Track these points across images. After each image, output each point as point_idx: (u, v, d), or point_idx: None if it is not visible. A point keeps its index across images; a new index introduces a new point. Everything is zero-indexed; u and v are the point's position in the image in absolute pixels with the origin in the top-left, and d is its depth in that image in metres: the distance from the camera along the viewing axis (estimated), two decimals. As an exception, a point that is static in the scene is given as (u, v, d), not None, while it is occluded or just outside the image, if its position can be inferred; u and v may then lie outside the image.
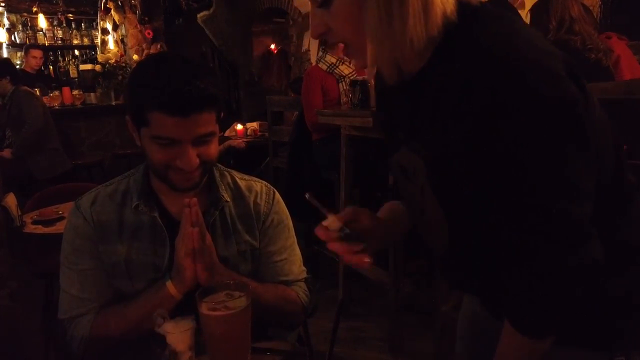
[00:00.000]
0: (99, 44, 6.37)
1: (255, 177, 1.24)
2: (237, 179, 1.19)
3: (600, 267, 0.67)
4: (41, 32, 6.21)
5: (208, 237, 1.04)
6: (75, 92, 5.43)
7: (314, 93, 3.06)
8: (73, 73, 6.30)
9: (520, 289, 0.71)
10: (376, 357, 2.31)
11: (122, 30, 6.34)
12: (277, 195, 1.22)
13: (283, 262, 1.18)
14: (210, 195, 1.13)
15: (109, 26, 6.29)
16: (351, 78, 2.90)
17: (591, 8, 2.70)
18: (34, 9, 6.04)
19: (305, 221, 3.15)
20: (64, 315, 1.07)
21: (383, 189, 2.61)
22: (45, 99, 4.78)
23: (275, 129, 3.84)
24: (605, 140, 0.73)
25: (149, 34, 6.32)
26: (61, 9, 6.32)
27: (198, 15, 6.28)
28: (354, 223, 0.81)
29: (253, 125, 4.70)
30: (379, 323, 2.51)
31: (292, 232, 1.23)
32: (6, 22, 6.06)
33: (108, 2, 6.14)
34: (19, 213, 2.28)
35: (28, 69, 5.19)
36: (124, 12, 6.26)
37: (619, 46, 2.27)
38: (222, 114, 1.05)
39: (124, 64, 5.84)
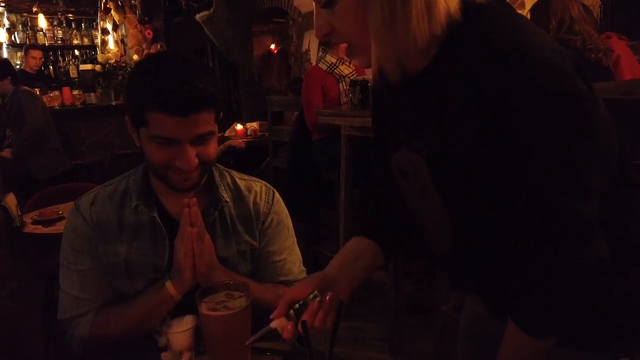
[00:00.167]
0: (99, 44, 6.38)
1: (255, 177, 1.23)
2: (236, 179, 1.19)
3: (605, 267, 0.67)
4: (41, 32, 6.21)
5: (207, 237, 1.04)
6: (75, 92, 5.44)
7: (314, 93, 3.06)
8: (73, 73, 6.30)
9: (525, 287, 0.70)
10: (376, 357, 2.31)
11: (122, 30, 6.35)
12: (277, 195, 1.22)
13: (283, 262, 1.18)
14: (210, 196, 1.13)
15: (109, 26, 6.30)
16: (351, 78, 2.90)
17: (591, 8, 2.70)
18: (34, 9, 6.04)
19: (305, 221, 3.17)
20: (64, 316, 1.07)
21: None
22: (45, 99, 4.78)
23: (275, 129, 3.84)
24: (609, 140, 0.73)
25: (149, 34, 6.33)
26: (61, 9, 6.33)
27: (198, 15, 6.28)
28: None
29: (253, 125, 4.70)
30: (379, 323, 2.52)
31: (292, 232, 1.23)
32: (6, 22, 6.06)
33: (108, 2, 6.14)
34: (19, 213, 2.28)
35: (27, 69, 5.19)
36: (124, 12, 6.27)
37: (619, 46, 2.27)
38: (221, 114, 1.05)
39: (124, 64, 5.85)
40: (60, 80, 6.12)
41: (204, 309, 0.88)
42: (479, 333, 0.98)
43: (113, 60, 5.84)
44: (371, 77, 0.80)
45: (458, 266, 0.87)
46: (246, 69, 6.57)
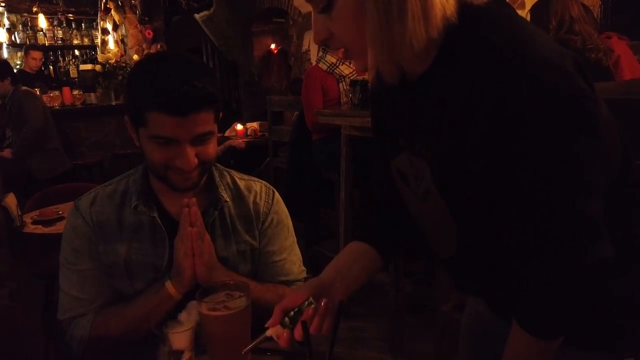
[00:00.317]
0: (99, 44, 6.38)
1: (255, 177, 1.23)
2: (236, 179, 1.19)
3: (609, 267, 0.66)
4: (41, 32, 6.21)
5: (207, 237, 1.04)
6: (76, 92, 5.43)
7: (314, 93, 3.06)
8: (73, 73, 6.30)
9: (530, 288, 0.70)
10: (376, 357, 2.31)
11: (122, 30, 6.35)
12: (277, 195, 1.22)
13: (283, 262, 1.18)
14: (210, 195, 1.13)
15: (109, 26, 6.30)
16: (351, 78, 2.89)
17: (591, 8, 2.70)
18: (34, 9, 6.04)
19: (305, 221, 3.17)
20: (64, 316, 1.07)
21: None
22: (45, 99, 4.78)
23: (276, 129, 3.84)
24: (611, 140, 0.72)
25: (149, 34, 6.33)
26: (61, 9, 6.32)
27: (198, 15, 6.28)
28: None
29: (253, 125, 4.71)
30: (379, 323, 2.51)
31: (292, 232, 1.23)
32: (6, 22, 6.06)
33: (108, 2, 6.14)
34: (19, 213, 2.27)
35: (27, 69, 5.19)
36: (124, 12, 6.27)
37: (619, 46, 2.27)
38: (220, 114, 1.05)
39: (124, 64, 5.85)
40: (60, 80, 6.12)
41: (204, 309, 0.87)
42: (481, 333, 0.98)
43: (113, 60, 5.84)
44: (371, 80, 0.80)
45: (461, 268, 0.87)
46: (246, 69, 6.58)
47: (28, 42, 5.89)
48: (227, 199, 1.13)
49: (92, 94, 5.65)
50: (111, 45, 6.25)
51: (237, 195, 1.16)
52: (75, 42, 6.53)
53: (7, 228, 2.17)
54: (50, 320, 2.05)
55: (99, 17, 6.37)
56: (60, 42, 6.38)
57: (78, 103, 5.38)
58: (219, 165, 1.19)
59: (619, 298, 0.74)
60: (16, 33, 6.11)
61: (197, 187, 1.07)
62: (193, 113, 0.95)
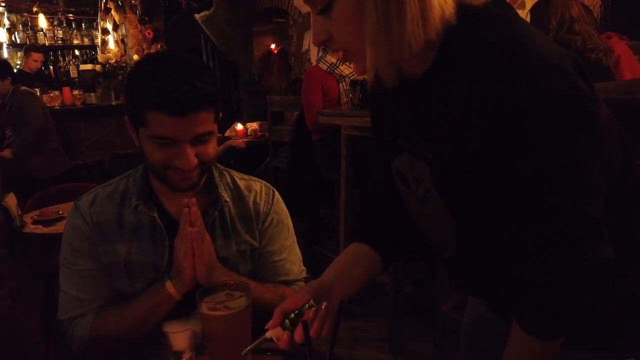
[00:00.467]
0: (99, 44, 6.38)
1: (255, 177, 1.23)
2: (236, 178, 1.19)
3: (610, 267, 0.66)
4: (41, 32, 6.21)
5: (207, 237, 1.04)
6: (76, 92, 5.43)
7: (314, 93, 3.06)
8: (73, 73, 6.30)
9: (531, 288, 0.70)
10: (376, 357, 2.31)
11: (123, 30, 6.35)
12: (277, 195, 1.22)
13: (283, 262, 1.18)
14: (210, 195, 1.13)
15: (109, 26, 6.29)
16: (351, 78, 2.89)
17: (591, 8, 2.70)
18: (34, 9, 6.04)
19: (305, 221, 3.17)
20: (64, 316, 1.07)
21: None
22: (45, 99, 4.78)
23: (276, 129, 3.84)
24: (611, 140, 0.72)
25: (149, 34, 6.33)
26: (61, 9, 6.32)
27: (198, 15, 6.28)
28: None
29: (253, 125, 4.71)
30: (379, 323, 2.52)
31: (292, 232, 1.23)
32: (6, 22, 6.06)
33: (108, 2, 6.14)
34: (19, 213, 2.27)
35: (27, 70, 5.19)
36: (124, 12, 6.26)
37: (620, 46, 2.27)
38: (220, 114, 1.05)
39: (124, 64, 5.85)
40: (61, 80, 6.12)
41: (204, 308, 0.87)
42: (482, 334, 0.98)
43: (113, 60, 5.84)
44: (370, 81, 0.80)
45: (462, 268, 0.87)
46: (246, 69, 6.58)
47: (28, 42, 5.89)
48: (227, 199, 1.13)
49: (92, 94, 5.65)
50: (111, 45, 6.25)
51: (237, 195, 1.16)
52: (76, 42, 6.53)
53: (7, 228, 2.17)
54: (50, 320, 2.06)
55: (99, 17, 6.36)
56: (60, 42, 6.37)
57: (78, 103, 5.38)
58: (219, 165, 1.19)
59: (619, 298, 0.74)
60: (16, 33, 6.11)
61: (197, 187, 1.07)
62: (193, 113, 0.95)
